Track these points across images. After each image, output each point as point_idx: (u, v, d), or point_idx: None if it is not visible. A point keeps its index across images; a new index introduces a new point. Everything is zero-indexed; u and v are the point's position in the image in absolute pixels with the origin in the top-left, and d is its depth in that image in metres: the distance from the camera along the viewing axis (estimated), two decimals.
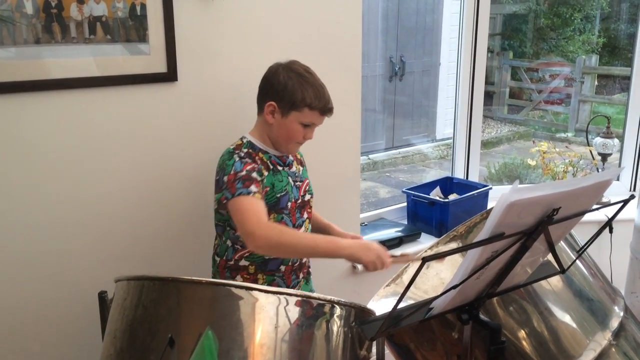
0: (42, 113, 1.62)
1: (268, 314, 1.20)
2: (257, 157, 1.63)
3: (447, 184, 2.96)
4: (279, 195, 1.64)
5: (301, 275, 1.75)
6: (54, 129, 1.64)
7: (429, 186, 2.92)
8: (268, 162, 1.66)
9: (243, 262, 1.67)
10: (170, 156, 1.83)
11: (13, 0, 1.52)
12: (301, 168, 1.79)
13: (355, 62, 2.20)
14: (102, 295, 1.46)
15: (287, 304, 1.23)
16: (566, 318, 1.54)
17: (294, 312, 1.23)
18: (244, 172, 1.55)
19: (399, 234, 2.61)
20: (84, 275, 1.74)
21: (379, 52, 6.50)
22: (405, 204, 2.85)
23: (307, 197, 1.76)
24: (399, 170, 6.42)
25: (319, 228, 1.85)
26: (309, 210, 1.76)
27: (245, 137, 1.69)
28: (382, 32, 6.44)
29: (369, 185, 5.82)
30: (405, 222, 2.82)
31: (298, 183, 1.73)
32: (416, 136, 6.94)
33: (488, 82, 7.14)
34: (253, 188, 1.52)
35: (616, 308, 1.63)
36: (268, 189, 1.62)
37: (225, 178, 1.55)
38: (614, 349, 1.53)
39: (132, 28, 1.70)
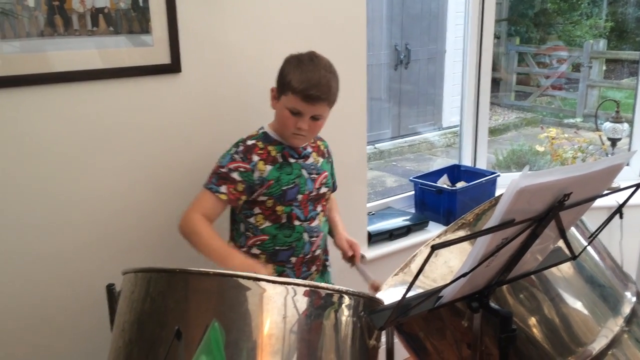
0: (46, 106, 1.61)
1: (276, 305, 1.20)
2: (256, 153, 1.62)
3: (455, 172, 2.94)
4: (284, 188, 1.63)
5: (313, 268, 1.74)
6: (58, 122, 1.63)
7: (437, 174, 2.90)
8: (278, 154, 1.65)
9: (254, 251, 1.67)
10: (175, 147, 1.82)
11: None
12: (321, 160, 1.75)
13: (360, 50, 2.18)
14: (110, 288, 1.46)
15: (295, 294, 1.22)
16: (577, 305, 1.53)
17: (302, 303, 1.22)
18: (225, 169, 1.59)
19: (407, 222, 2.60)
20: (91, 268, 1.74)
21: (384, 40, 6.46)
22: (412, 192, 2.83)
23: (324, 190, 1.73)
24: (406, 159, 6.40)
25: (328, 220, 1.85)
26: (324, 203, 1.74)
27: (263, 127, 1.69)
28: (387, 20, 6.40)
29: (375, 174, 5.80)
30: (413, 211, 2.80)
31: (314, 175, 1.70)
32: (422, 124, 6.91)
33: (494, 68, 7.08)
34: (223, 189, 1.58)
35: (628, 294, 1.62)
36: (272, 182, 1.62)
37: (214, 166, 1.62)
38: (626, 335, 1.51)
39: (134, 19, 1.69)
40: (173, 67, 1.77)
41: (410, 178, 2.84)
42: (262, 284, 1.20)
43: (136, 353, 1.23)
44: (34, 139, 1.61)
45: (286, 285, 1.22)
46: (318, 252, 1.74)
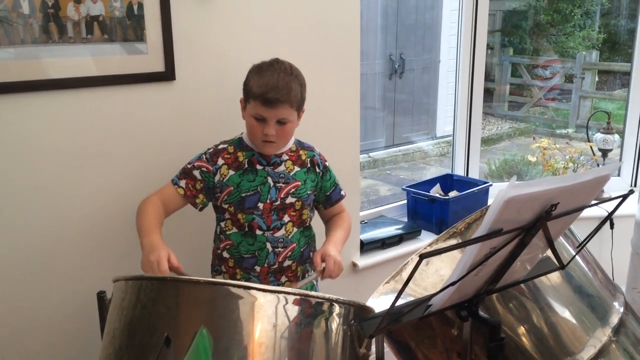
0: (40, 113, 1.62)
1: (266, 313, 1.20)
2: (223, 157, 1.65)
3: (447, 181, 2.96)
4: (244, 195, 1.64)
5: (283, 279, 1.71)
6: (52, 129, 1.64)
7: (429, 183, 2.91)
8: (245, 160, 1.66)
9: (225, 254, 1.70)
10: (169, 155, 1.83)
11: (9, 1, 1.51)
12: (296, 169, 1.70)
13: (354, 59, 2.20)
14: (100, 296, 1.46)
15: (286, 302, 1.23)
16: (566, 314, 1.54)
17: (293, 311, 1.23)
18: (189, 166, 1.66)
19: (399, 231, 2.61)
20: (82, 275, 1.74)
21: (379, 50, 6.49)
22: (405, 201, 2.85)
23: (291, 200, 1.67)
24: (400, 168, 6.41)
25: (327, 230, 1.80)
26: (292, 213, 1.68)
27: (243, 133, 1.72)
28: (382, 30, 6.44)
29: (369, 183, 5.82)
30: (406, 220, 2.82)
31: (280, 184, 1.67)
32: (416, 134, 6.93)
33: (488, 79, 7.13)
34: (182, 183, 1.65)
35: (616, 304, 1.63)
36: (232, 188, 1.64)
37: None
38: (614, 345, 1.52)
39: (129, 27, 1.70)
40: (167, 74, 1.78)
41: (403, 187, 2.85)
42: (253, 292, 1.21)
43: None
44: (28, 145, 1.61)
45: (277, 294, 1.22)
46: (288, 263, 1.70)
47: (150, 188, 1.80)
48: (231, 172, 1.65)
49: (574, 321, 1.53)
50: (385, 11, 6.45)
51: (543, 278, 1.52)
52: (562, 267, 1.36)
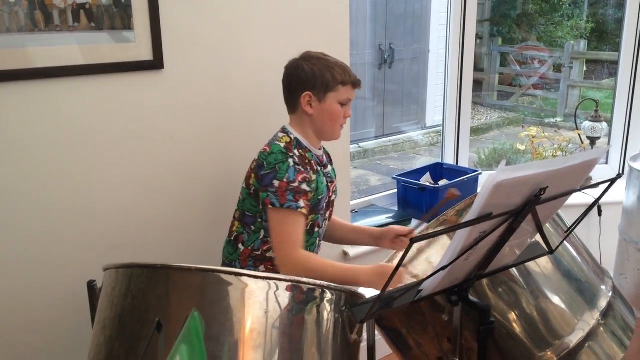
0: (26, 103, 1.60)
1: (258, 300, 1.20)
2: (306, 159, 1.63)
3: (437, 170, 2.97)
4: (320, 197, 1.66)
5: None
6: (39, 118, 1.62)
7: (420, 172, 2.92)
8: (313, 161, 1.66)
9: (271, 254, 1.66)
10: (157, 144, 1.82)
11: None
12: (330, 167, 1.79)
13: (343, 49, 2.19)
14: (91, 285, 1.45)
15: (277, 289, 1.23)
16: (555, 299, 1.56)
17: (284, 297, 1.23)
18: (296, 183, 1.55)
19: (390, 220, 2.62)
20: (72, 264, 1.73)
21: (368, 40, 6.48)
22: (395, 190, 2.85)
23: (334, 197, 1.79)
24: (390, 157, 6.42)
25: (354, 233, 1.89)
26: (331, 209, 1.80)
27: (290, 132, 1.66)
28: (371, 20, 6.42)
29: (359, 173, 5.82)
30: (396, 209, 2.82)
31: (329, 184, 1.74)
32: (406, 124, 6.94)
33: (477, 68, 7.14)
34: (301, 203, 1.55)
35: (604, 288, 1.65)
36: (315, 192, 1.62)
37: (277, 183, 1.54)
38: (602, 329, 1.54)
39: (116, 15, 1.68)
40: (155, 63, 1.76)
41: (394, 176, 2.86)
42: (244, 278, 1.21)
43: (117, 349, 1.23)
44: (14, 135, 1.60)
45: (268, 280, 1.23)
46: (318, 252, 1.79)
47: (139, 177, 1.80)
48: (314, 177, 1.64)
49: (563, 305, 1.55)
50: (375, 1, 6.43)
51: (532, 263, 1.54)
52: (551, 251, 1.37)
